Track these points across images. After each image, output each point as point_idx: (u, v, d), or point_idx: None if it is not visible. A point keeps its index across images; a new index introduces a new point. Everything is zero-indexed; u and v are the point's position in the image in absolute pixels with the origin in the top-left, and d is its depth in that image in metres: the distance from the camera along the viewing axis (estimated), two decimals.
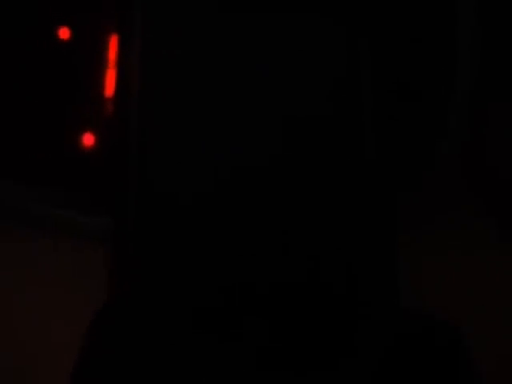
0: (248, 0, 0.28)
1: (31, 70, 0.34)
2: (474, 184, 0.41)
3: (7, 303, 0.35)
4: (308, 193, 0.27)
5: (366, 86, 0.28)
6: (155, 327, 0.26)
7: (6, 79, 0.34)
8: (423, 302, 0.34)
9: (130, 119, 0.27)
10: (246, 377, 0.25)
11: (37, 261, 0.36)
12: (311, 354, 0.25)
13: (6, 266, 0.36)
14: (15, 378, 0.34)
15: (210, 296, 0.26)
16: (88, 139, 0.34)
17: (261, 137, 0.27)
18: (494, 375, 0.32)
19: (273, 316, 0.26)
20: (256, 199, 0.26)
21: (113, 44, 0.33)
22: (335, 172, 0.27)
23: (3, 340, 0.34)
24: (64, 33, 0.33)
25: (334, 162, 0.27)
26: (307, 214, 0.26)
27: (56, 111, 0.34)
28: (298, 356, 0.25)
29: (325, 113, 0.27)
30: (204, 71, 0.27)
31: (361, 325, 0.26)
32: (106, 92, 0.34)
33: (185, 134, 0.27)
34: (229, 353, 0.25)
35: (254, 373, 0.25)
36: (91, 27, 0.33)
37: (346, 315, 0.26)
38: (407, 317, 0.29)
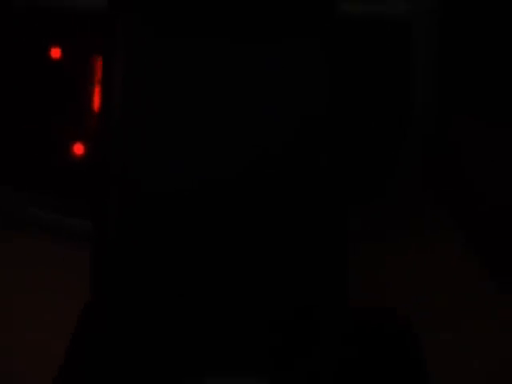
0: (220, 30, 0.30)
1: (27, 85, 0.36)
2: (440, 192, 0.43)
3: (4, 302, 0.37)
4: (262, 208, 0.29)
5: (323, 99, 0.30)
6: (133, 324, 0.28)
7: (3, 94, 0.36)
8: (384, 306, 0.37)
9: (112, 131, 0.30)
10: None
11: (30, 261, 0.38)
12: (273, 357, 0.28)
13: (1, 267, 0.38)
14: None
15: (179, 300, 0.29)
16: (78, 149, 0.37)
17: (225, 155, 0.29)
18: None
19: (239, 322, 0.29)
20: (214, 215, 0.29)
21: (101, 62, 0.36)
22: (290, 184, 0.30)
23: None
24: (55, 52, 0.36)
25: (290, 175, 0.30)
26: (261, 228, 0.29)
27: (49, 123, 0.37)
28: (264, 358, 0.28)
29: (283, 130, 0.30)
30: (177, 90, 0.30)
31: (313, 327, 0.29)
32: (94, 106, 0.36)
33: (159, 146, 0.29)
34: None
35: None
36: (80, 47, 0.36)
37: (299, 320, 0.29)
38: (358, 315, 0.31)
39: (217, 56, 0.30)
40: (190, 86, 0.30)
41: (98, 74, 0.36)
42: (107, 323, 0.29)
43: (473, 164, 0.43)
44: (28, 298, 0.37)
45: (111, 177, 0.29)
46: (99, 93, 0.36)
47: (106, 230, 0.29)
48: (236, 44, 0.30)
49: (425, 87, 0.37)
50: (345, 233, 0.30)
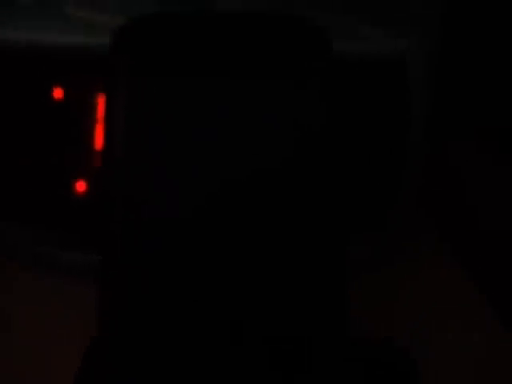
0: (218, 68, 0.32)
1: (31, 125, 0.37)
2: (439, 219, 0.44)
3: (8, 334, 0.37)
4: (263, 236, 0.30)
5: (323, 134, 0.31)
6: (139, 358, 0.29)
7: (8, 133, 0.37)
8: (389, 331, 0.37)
9: (116, 167, 0.31)
10: None
11: (34, 295, 0.38)
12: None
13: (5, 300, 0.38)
14: None
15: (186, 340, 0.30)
16: (80, 186, 0.38)
17: (220, 186, 0.30)
18: None
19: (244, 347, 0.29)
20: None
21: (101, 102, 0.37)
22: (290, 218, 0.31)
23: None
24: (58, 93, 0.37)
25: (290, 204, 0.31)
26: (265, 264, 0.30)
27: (52, 161, 0.38)
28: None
29: (283, 166, 0.31)
30: (176, 124, 0.31)
31: (315, 353, 0.30)
32: (95, 144, 0.38)
33: (160, 177, 0.31)
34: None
35: None
36: (82, 88, 0.37)
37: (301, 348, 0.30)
38: (359, 345, 0.32)
39: (215, 93, 0.31)
40: (188, 121, 0.31)
41: (100, 112, 0.37)
42: (113, 357, 0.30)
43: (472, 190, 0.44)
44: (33, 330, 0.37)
45: (115, 209, 0.30)
46: (101, 131, 0.37)
47: (113, 263, 0.30)
48: (232, 82, 0.32)
49: (419, 120, 0.38)
50: (344, 264, 0.31)
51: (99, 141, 0.38)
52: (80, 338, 0.31)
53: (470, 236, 0.43)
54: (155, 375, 0.29)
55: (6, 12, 0.38)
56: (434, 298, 0.41)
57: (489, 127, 0.43)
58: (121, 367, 0.30)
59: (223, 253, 0.30)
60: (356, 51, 0.36)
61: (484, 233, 0.42)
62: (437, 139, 0.43)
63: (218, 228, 0.30)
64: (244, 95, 0.31)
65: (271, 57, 0.32)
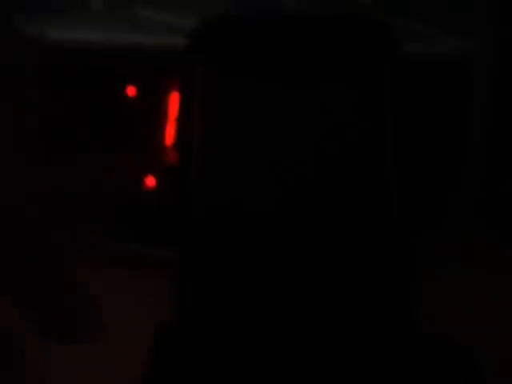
0: (288, 72, 0.33)
1: (104, 122, 0.39)
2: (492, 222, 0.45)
3: None
4: (335, 238, 0.31)
5: (389, 142, 0.32)
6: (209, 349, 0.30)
7: (84, 130, 0.39)
8: (447, 328, 0.37)
9: (191, 165, 0.32)
10: None
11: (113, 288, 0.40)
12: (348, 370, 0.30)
13: None
14: None
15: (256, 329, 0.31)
16: (150, 181, 0.39)
17: (297, 179, 0.31)
18: None
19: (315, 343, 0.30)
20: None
21: (173, 101, 0.38)
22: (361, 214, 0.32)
23: None
24: (131, 91, 0.38)
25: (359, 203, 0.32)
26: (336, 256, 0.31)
27: (124, 157, 0.39)
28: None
29: (351, 164, 0.32)
30: (248, 126, 0.32)
31: (385, 347, 0.30)
32: (166, 142, 0.39)
33: (235, 177, 0.32)
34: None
35: None
36: (154, 86, 0.38)
37: (371, 341, 0.30)
38: (425, 340, 0.33)
39: (286, 95, 0.32)
40: (260, 120, 0.32)
41: (170, 110, 0.38)
42: (185, 344, 0.31)
43: None
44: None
45: (194, 207, 0.31)
46: (171, 129, 0.38)
47: (190, 256, 0.31)
48: (303, 86, 0.33)
49: (482, 123, 0.39)
50: (413, 257, 0.31)
51: (169, 138, 0.39)
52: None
53: None
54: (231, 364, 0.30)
55: (82, 15, 0.39)
56: (493, 297, 0.41)
57: None
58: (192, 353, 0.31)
59: (297, 247, 0.31)
60: (421, 53, 0.37)
61: None
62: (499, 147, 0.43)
63: (293, 221, 0.31)
64: (315, 99, 0.32)
65: (341, 59, 0.33)
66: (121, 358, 0.35)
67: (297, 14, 0.34)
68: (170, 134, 0.39)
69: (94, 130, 0.39)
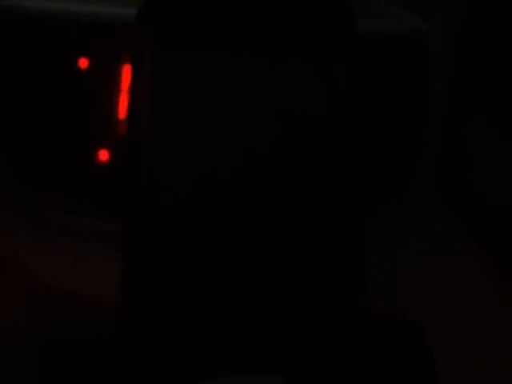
0: (241, 43, 0.32)
1: (55, 94, 0.38)
2: (451, 196, 0.45)
3: None
4: (282, 204, 0.31)
5: (342, 113, 0.32)
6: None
7: (33, 102, 0.38)
8: (398, 305, 0.38)
9: (141, 138, 0.31)
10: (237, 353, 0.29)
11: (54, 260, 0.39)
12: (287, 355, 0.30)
13: None
14: None
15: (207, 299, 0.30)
16: (103, 155, 0.39)
17: (245, 158, 0.31)
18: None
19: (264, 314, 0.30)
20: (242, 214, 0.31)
21: (126, 72, 0.37)
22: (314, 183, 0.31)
23: None
24: (83, 63, 0.37)
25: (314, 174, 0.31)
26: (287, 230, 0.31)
27: (76, 131, 0.38)
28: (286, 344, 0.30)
29: (306, 135, 0.31)
30: (199, 98, 0.31)
31: (327, 327, 0.30)
32: (119, 114, 0.38)
33: (186, 151, 0.31)
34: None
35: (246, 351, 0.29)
36: (106, 58, 0.37)
37: (313, 318, 0.30)
38: (374, 318, 0.33)
39: (238, 68, 0.32)
40: (211, 94, 0.31)
41: (124, 82, 0.37)
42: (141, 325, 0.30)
43: (482, 168, 0.44)
44: None
45: (140, 181, 0.31)
46: (124, 101, 0.38)
47: (137, 231, 0.30)
48: (255, 58, 0.32)
49: (439, 99, 0.39)
50: (364, 230, 0.31)
51: (123, 111, 0.38)
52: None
53: (479, 211, 0.43)
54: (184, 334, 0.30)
55: None
56: (448, 275, 0.41)
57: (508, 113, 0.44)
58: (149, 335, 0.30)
59: (246, 222, 0.31)
60: (378, 29, 0.37)
61: (491, 207, 0.43)
62: (455, 118, 0.43)
63: (242, 198, 0.31)
64: (268, 71, 0.32)
65: (297, 32, 0.32)
66: None
67: None
68: (123, 106, 0.38)
69: (45, 103, 0.38)
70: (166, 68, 0.31)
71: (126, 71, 0.37)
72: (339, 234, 0.31)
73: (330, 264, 0.31)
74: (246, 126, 0.31)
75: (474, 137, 0.45)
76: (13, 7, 0.37)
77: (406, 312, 0.34)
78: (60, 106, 0.38)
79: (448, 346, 0.36)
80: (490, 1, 0.43)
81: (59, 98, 0.38)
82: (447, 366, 0.33)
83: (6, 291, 0.34)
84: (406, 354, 0.33)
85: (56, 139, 0.39)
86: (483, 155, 0.44)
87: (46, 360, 0.33)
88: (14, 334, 0.33)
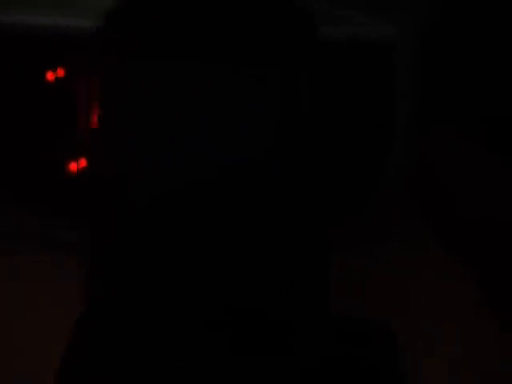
0: (202, 53, 0.32)
1: (25, 106, 0.38)
2: (420, 202, 0.45)
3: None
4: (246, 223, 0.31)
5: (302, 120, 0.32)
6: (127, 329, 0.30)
7: (4, 114, 0.38)
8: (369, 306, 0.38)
9: (98, 146, 0.31)
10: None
11: (22, 271, 0.39)
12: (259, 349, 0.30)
13: None
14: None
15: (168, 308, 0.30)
16: (73, 165, 0.39)
17: (203, 169, 0.31)
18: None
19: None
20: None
21: (95, 83, 0.37)
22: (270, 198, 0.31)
23: None
24: (51, 76, 0.38)
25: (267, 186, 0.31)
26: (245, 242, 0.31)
27: (47, 141, 0.38)
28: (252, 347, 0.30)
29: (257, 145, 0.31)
30: (157, 105, 0.31)
31: (296, 330, 0.30)
32: (90, 125, 0.38)
33: (143, 157, 0.31)
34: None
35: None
36: (76, 69, 0.38)
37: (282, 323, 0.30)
38: (339, 323, 0.33)
39: (199, 77, 0.32)
40: (172, 103, 0.32)
41: (94, 94, 0.38)
42: (100, 332, 0.30)
43: (449, 176, 0.45)
44: (24, 307, 0.38)
45: (103, 187, 0.31)
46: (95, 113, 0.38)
47: (100, 243, 0.30)
48: (217, 68, 0.32)
49: (406, 105, 0.39)
50: (326, 244, 0.31)
51: (94, 121, 0.38)
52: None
53: (448, 220, 0.44)
54: (140, 348, 0.30)
55: None
56: (417, 279, 0.41)
57: (473, 116, 0.44)
58: (108, 340, 0.30)
59: (206, 230, 0.31)
60: (346, 36, 0.37)
61: (460, 218, 0.43)
62: (423, 125, 0.43)
63: (201, 206, 0.31)
64: (229, 80, 0.32)
65: (258, 42, 0.32)
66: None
67: None
68: (94, 117, 0.38)
69: (14, 114, 0.38)
70: (127, 78, 0.31)
71: (95, 82, 0.37)
72: (303, 243, 0.31)
73: (294, 273, 0.31)
74: (202, 136, 0.31)
75: (438, 142, 0.45)
76: None
77: (375, 312, 0.35)
78: (30, 118, 0.38)
79: (416, 345, 0.37)
80: (456, 11, 0.43)
81: (29, 109, 0.38)
82: (415, 365, 0.33)
83: None
84: (373, 354, 0.33)
85: (27, 150, 0.39)
86: (446, 160, 0.45)
87: None
88: None
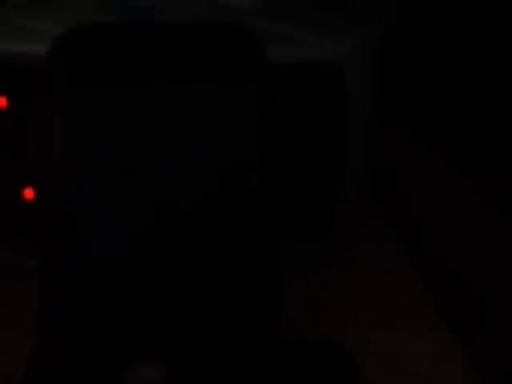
0: (150, 77, 0.32)
1: None
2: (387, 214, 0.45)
3: None
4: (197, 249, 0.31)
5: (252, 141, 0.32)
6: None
7: None
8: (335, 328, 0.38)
9: (54, 177, 0.31)
10: None
11: None
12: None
13: None
14: None
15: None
16: (29, 193, 0.39)
17: (161, 195, 0.31)
18: None
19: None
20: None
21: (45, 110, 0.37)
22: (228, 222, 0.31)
23: None
24: (2, 102, 0.38)
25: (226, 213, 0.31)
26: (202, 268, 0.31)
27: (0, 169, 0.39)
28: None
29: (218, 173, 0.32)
30: (114, 136, 0.31)
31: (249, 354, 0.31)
32: (38, 154, 0.38)
33: (96, 191, 0.31)
34: None
35: None
36: (25, 96, 0.38)
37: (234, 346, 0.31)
38: (295, 346, 0.33)
39: (150, 101, 0.32)
40: (124, 132, 0.32)
41: (42, 122, 0.38)
42: (52, 367, 0.30)
43: (407, 185, 0.45)
44: None
45: (53, 218, 0.31)
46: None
47: (51, 272, 0.30)
48: (166, 89, 0.32)
49: (361, 123, 0.39)
50: (277, 269, 0.31)
51: (43, 150, 0.38)
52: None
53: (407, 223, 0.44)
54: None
55: None
56: (382, 296, 0.41)
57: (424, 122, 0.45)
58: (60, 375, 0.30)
59: (160, 268, 0.31)
60: (293, 56, 0.37)
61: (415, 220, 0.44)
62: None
63: (156, 242, 0.31)
64: (177, 101, 0.32)
65: (205, 62, 0.32)
66: None
67: (163, 22, 0.34)
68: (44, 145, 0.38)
69: None
70: (77, 106, 0.32)
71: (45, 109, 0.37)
72: (254, 272, 0.31)
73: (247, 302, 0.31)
74: (156, 161, 0.31)
75: (397, 151, 0.46)
76: None
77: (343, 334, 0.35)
78: None
79: (379, 369, 0.37)
80: (406, 21, 0.44)
81: None
82: None
83: None
84: (331, 377, 0.34)
85: None
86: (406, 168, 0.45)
87: None
88: None
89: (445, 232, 0.44)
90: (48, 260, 0.31)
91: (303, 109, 0.38)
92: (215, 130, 0.32)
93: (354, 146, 0.39)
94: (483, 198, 0.45)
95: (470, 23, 0.45)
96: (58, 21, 0.38)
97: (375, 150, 0.42)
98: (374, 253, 0.44)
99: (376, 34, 0.39)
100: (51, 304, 0.30)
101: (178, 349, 0.30)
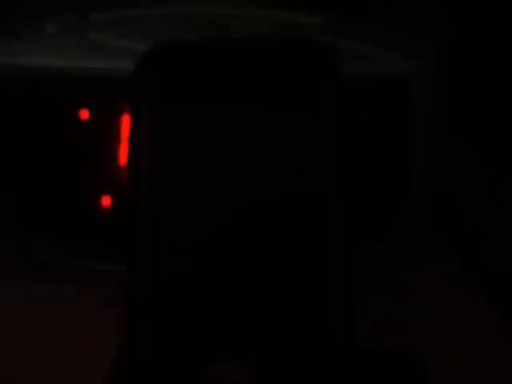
0: (237, 96, 0.34)
1: (59, 145, 0.40)
2: (442, 228, 0.46)
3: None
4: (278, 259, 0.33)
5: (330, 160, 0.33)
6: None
7: (39, 153, 0.40)
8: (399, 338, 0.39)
9: (141, 185, 0.33)
10: None
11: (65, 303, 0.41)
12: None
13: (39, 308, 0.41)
14: None
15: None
16: (106, 201, 0.41)
17: (240, 208, 0.33)
18: None
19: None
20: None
21: (125, 121, 0.39)
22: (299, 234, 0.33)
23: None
24: (84, 114, 0.39)
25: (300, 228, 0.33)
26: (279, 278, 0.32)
27: (79, 178, 0.40)
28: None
29: (292, 188, 0.33)
30: (196, 150, 0.33)
31: (325, 363, 0.32)
32: (120, 161, 0.40)
33: (183, 197, 0.33)
34: None
35: None
36: (106, 109, 0.39)
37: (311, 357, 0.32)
38: (370, 354, 0.34)
39: (232, 120, 0.34)
40: (207, 145, 0.33)
41: (123, 131, 0.39)
42: (140, 365, 0.32)
43: (473, 204, 0.46)
44: (63, 339, 0.40)
45: (141, 225, 0.33)
46: (124, 149, 0.40)
47: (139, 279, 0.32)
48: (247, 109, 0.34)
49: (427, 136, 0.40)
50: (354, 273, 0.33)
51: (123, 158, 0.40)
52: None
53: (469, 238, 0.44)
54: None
55: (35, 40, 0.40)
56: (441, 305, 0.42)
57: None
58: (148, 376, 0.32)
59: (243, 268, 0.32)
60: (360, 72, 0.38)
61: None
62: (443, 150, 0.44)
63: (237, 244, 0.32)
64: (259, 121, 0.34)
65: (285, 84, 0.34)
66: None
67: (240, 40, 0.36)
68: (123, 153, 0.40)
69: (49, 153, 0.40)
70: (163, 120, 0.33)
71: (125, 120, 0.39)
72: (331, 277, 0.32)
73: (324, 308, 0.32)
74: (239, 173, 0.33)
75: (459, 166, 0.46)
76: (12, 65, 0.39)
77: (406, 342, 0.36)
78: (63, 156, 0.40)
79: (445, 370, 0.38)
80: (469, 36, 0.44)
81: (62, 148, 0.40)
82: None
83: None
84: (401, 381, 0.35)
85: (61, 188, 0.40)
86: (470, 187, 0.46)
87: None
88: None
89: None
90: (133, 265, 0.33)
91: (373, 119, 0.39)
92: (290, 146, 0.34)
93: (419, 155, 0.40)
94: None
95: None
96: (138, 38, 0.40)
97: (438, 159, 0.43)
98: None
99: (440, 49, 0.40)
100: (140, 305, 0.32)
101: (264, 351, 0.32)
